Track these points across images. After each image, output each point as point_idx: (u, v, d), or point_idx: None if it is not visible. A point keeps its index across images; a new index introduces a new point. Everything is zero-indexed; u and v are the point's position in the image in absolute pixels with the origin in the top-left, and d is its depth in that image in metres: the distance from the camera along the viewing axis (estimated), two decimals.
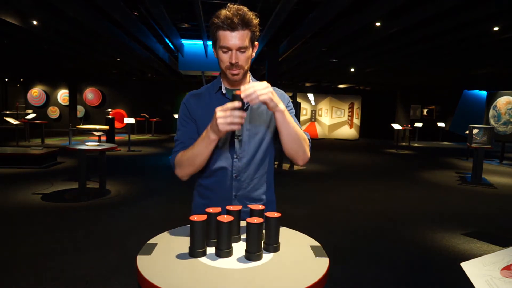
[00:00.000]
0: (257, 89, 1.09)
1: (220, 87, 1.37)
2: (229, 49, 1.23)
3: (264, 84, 1.12)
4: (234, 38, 1.21)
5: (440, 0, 4.61)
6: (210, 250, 1.06)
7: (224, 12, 1.20)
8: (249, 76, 1.41)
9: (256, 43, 1.32)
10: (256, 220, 0.98)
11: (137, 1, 5.68)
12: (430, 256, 3.37)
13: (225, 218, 1.00)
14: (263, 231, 1.04)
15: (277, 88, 1.48)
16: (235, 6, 1.23)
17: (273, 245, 1.03)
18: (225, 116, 1.09)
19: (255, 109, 1.37)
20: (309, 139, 1.36)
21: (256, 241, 0.97)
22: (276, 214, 1.04)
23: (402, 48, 7.74)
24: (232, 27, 1.19)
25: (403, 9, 5.15)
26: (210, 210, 1.12)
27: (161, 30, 7.39)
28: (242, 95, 1.07)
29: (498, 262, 1.02)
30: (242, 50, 1.24)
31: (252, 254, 0.97)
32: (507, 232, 4.18)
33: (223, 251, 1.00)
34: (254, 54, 1.33)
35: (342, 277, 2.88)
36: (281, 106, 1.17)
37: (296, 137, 1.25)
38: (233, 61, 1.23)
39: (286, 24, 6.37)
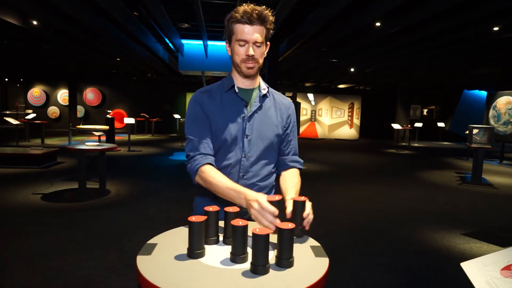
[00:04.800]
0: (310, 217, 1.17)
1: (233, 86, 1.38)
2: (246, 42, 1.28)
3: (309, 205, 1.19)
4: (251, 31, 1.26)
5: (440, 0, 4.61)
6: (210, 250, 1.06)
7: (242, 8, 1.26)
8: (259, 78, 1.43)
9: (268, 42, 1.35)
10: (260, 230, 0.92)
11: (137, 1, 5.68)
12: (430, 256, 3.37)
13: (241, 223, 0.98)
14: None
15: (285, 97, 1.50)
16: (252, 4, 1.29)
17: (287, 260, 0.95)
18: (259, 215, 1.10)
19: (266, 111, 1.39)
20: (300, 168, 1.50)
21: (262, 253, 0.91)
22: (290, 225, 0.97)
23: (402, 48, 7.73)
24: (250, 20, 1.25)
25: (403, 9, 5.15)
26: (210, 208, 1.11)
27: (161, 30, 7.39)
28: (305, 223, 1.15)
29: (498, 262, 1.02)
30: (257, 45, 1.29)
31: (258, 267, 0.91)
32: (507, 232, 4.18)
33: (239, 257, 0.97)
34: (265, 54, 1.36)
35: (342, 277, 2.88)
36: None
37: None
38: (250, 53, 1.28)
39: (286, 24, 6.37)
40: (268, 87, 1.44)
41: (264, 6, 1.29)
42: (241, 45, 1.28)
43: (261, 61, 1.33)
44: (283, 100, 1.47)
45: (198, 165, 1.29)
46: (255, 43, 1.27)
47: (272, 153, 1.43)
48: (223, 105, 1.37)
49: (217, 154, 1.38)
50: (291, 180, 1.40)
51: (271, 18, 1.30)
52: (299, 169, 1.49)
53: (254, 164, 1.37)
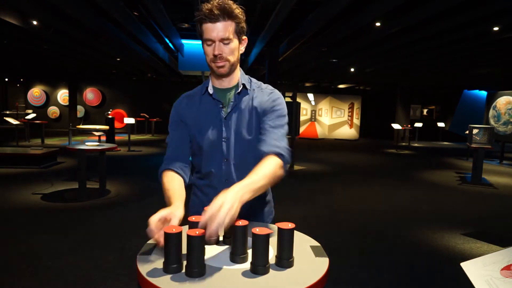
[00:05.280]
0: (218, 222, 0.92)
1: (207, 88, 1.33)
2: (212, 41, 1.21)
3: (219, 205, 0.95)
4: (216, 29, 1.19)
5: (440, 0, 4.61)
6: (210, 250, 1.05)
7: (205, 5, 1.19)
8: (239, 73, 1.35)
9: (245, 37, 1.29)
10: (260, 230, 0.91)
11: (137, 1, 5.68)
12: (430, 256, 3.37)
13: (240, 223, 0.96)
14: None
15: (269, 87, 1.38)
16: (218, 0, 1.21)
17: (287, 260, 0.94)
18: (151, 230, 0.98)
19: (243, 109, 1.32)
20: (284, 158, 1.21)
21: (262, 253, 0.90)
22: (290, 225, 0.95)
23: (402, 48, 7.73)
24: (213, 18, 1.18)
25: (403, 9, 5.15)
26: (193, 218, 1.06)
27: (161, 30, 7.39)
28: (206, 238, 0.91)
29: (498, 262, 1.02)
30: (225, 42, 1.21)
31: (258, 267, 0.90)
32: (507, 232, 4.18)
33: (239, 257, 0.96)
34: (243, 49, 1.30)
35: (342, 277, 2.88)
36: (244, 197, 1.02)
37: (269, 185, 1.15)
38: (216, 53, 1.21)
39: (286, 24, 6.37)
40: (249, 82, 1.35)
41: (231, 1, 1.22)
42: (208, 45, 1.22)
43: (232, 58, 1.25)
44: (264, 91, 1.35)
45: (160, 170, 1.31)
46: (221, 40, 1.20)
47: (256, 152, 1.29)
48: (201, 109, 1.33)
49: (200, 160, 1.35)
50: (257, 167, 1.15)
51: (238, 11, 1.21)
52: (279, 155, 1.21)
53: (237, 167, 1.30)
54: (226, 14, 1.19)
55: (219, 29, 1.19)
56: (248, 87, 1.34)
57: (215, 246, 1.09)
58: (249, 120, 1.31)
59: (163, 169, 1.31)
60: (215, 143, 1.31)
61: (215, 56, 1.22)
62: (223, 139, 1.30)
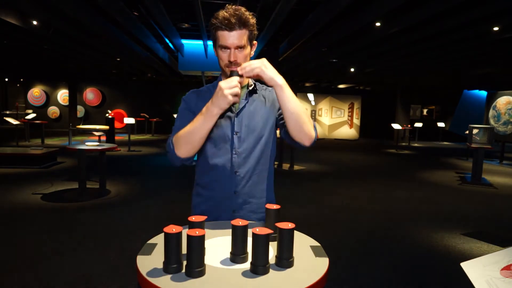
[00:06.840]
0: (252, 63, 1.20)
1: None
2: (228, 48, 1.28)
3: (260, 60, 1.22)
4: (232, 37, 1.26)
5: (440, 0, 4.61)
6: (210, 250, 1.05)
7: (222, 13, 1.26)
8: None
9: (255, 42, 1.36)
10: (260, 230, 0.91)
11: (137, 1, 5.68)
12: (430, 256, 3.37)
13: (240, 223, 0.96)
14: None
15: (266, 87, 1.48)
16: (233, 6, 1.28)
17: (287, 260, 0.95)
18: (230, 86, 1.17)
19: (254, 106, 1.40)
20: (314, 124, 1.40)
21: (262, 253, 0.91)
22: (290, 225, 0.97)
23: (402, 48, 7.73)
24: (229, 27, 1.25)
25: (403, 9, 5.15)
26: (193, 218, 1.06)
27: (161, 30, 7.38)
28: (239, 69, 1.20)
29: (498, 262, 1.02)
30: (240, 49, 1.29)
31: (258, 267, 0.91)
32: (507, 232, 4.18)
33: (239, 257, 0.96)
34: (252, 53, 1.37)
35: (342, 277, 2.88)
36: (279, 80, 1.23)
37: (298, 114, 1.27)
38: (232, 59, 1.29)
39: (286, 24, 6.37)
40: (254, 83, 1.44)
41: (244, 9, 1.28)
42: (223, 51, 1.30)
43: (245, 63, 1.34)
44: (273, 92, 1.45)
45: (170, 138, 1.35)
46: (236, 47, 1.28)
47: (266, 146, 1.41)
48: None
49: (208, 153, 1.38)
50: None
51: (252, 21, 1.29)
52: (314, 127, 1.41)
53: (247, 160, 1.37)
54: (242, 23, 1.26)
55: (235, 37, 1.27)
56: (257, 87, 1.44)
57: (215, 246, 1.09)
58: (261, 114, 1.40)
59: (172, 136, 1.35)
60: (226, 137, 1.36)
61: (230, 62, 1.30)
62: (235, 133, 1.36)
